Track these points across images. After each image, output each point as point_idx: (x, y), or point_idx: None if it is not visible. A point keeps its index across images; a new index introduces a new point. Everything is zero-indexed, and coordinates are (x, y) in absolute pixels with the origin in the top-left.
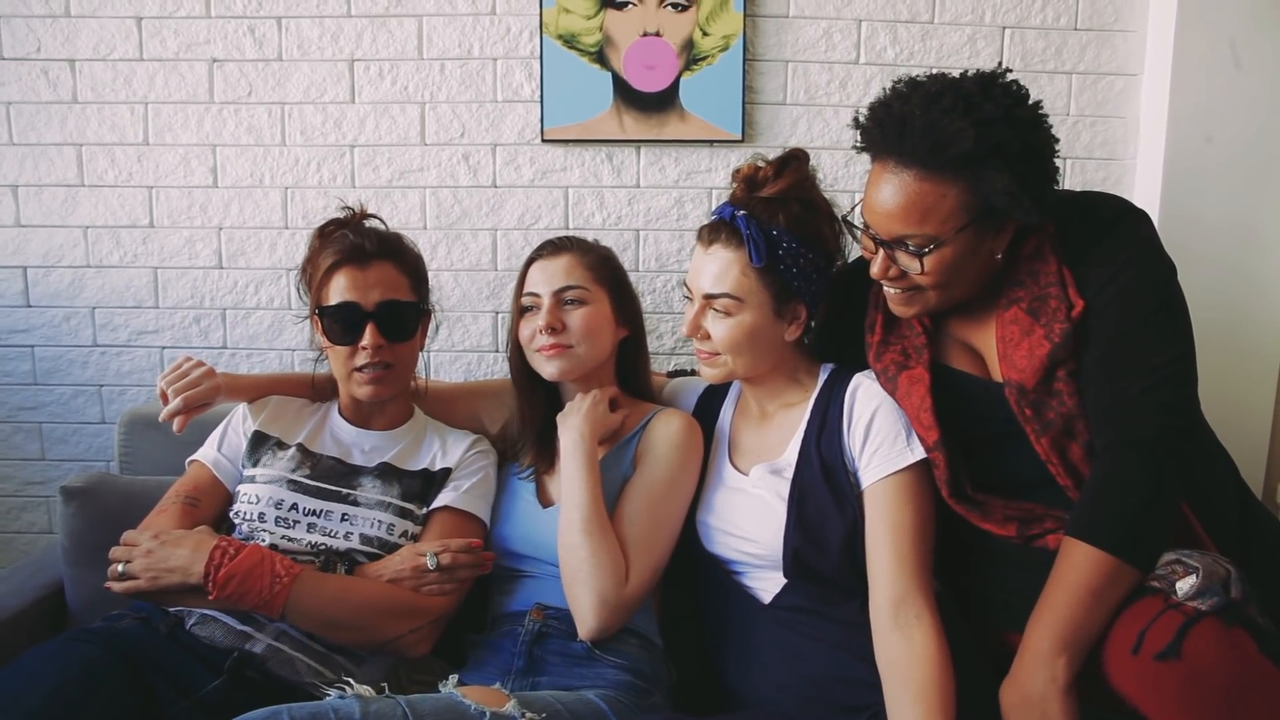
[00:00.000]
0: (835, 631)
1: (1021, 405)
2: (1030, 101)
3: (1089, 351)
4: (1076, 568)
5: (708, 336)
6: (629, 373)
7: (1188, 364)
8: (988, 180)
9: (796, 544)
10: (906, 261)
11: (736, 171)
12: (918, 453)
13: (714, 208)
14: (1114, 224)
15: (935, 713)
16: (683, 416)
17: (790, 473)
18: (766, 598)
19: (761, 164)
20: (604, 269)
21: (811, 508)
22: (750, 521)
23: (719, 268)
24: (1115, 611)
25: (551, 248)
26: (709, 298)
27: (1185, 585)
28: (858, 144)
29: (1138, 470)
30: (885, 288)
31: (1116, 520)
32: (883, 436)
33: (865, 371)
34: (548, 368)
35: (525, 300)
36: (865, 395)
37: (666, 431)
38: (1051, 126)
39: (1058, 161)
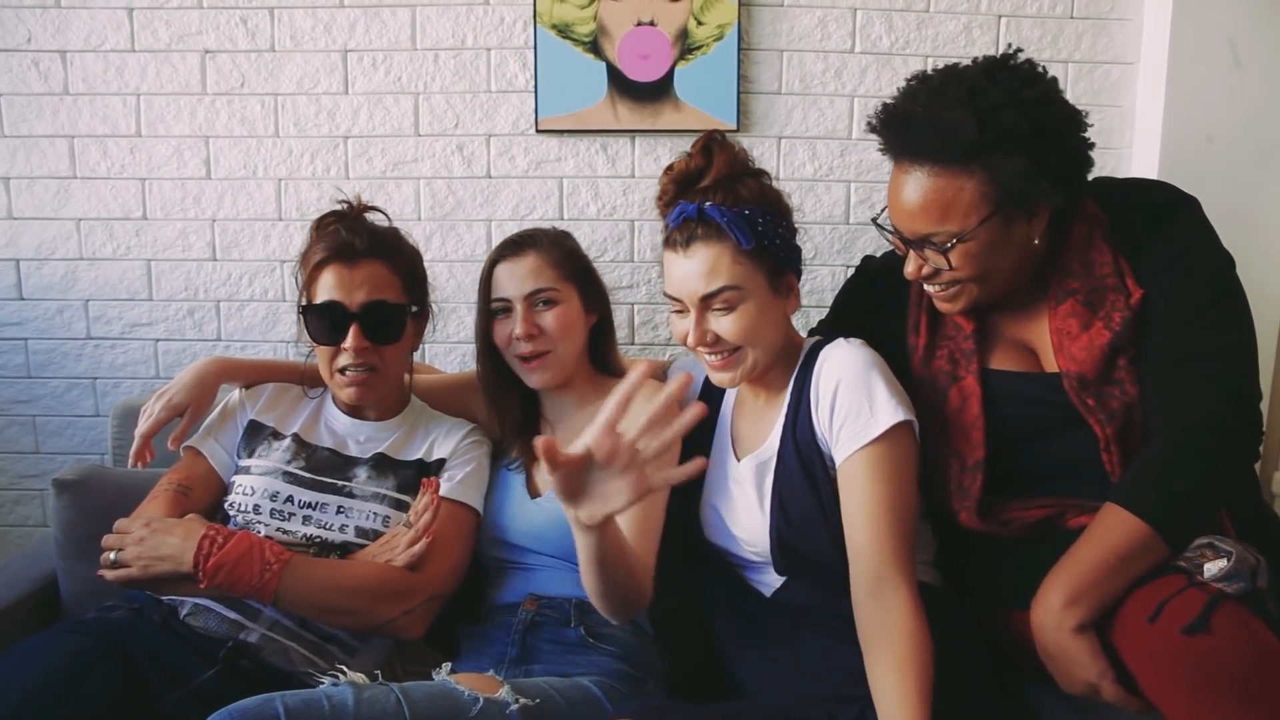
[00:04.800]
0: (835, 625)
1: (1083, 396)
2: (1042, 82)
3: (1148, 339)
4: (1111, 530)
5: (717, 339)
6: (600, 352)
7: (1248, 353)
8: (1001, 166)
9: (785, 544)
10: (935, 259)
11: (669, 169)
12: (883, 421)
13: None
14: (1170, 211)
15: (910, 683)
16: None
17: (773, 464)
18: (768, 592)
19: (688, 154)
20: (569, 263)
21: (794, 506)
22: (738, 524)
23: (707, 264)
24: (1133, 584)
25: (513, 247)
26: (707, 299)
27: (1214, 568)
28: (881, 148)
29: (1192, 454)
30: (927, 287)
31: (1162, 495)
32: (846, 411)
33: (835, 343)
34: (532, 379)
35: (495, 305)
36: (829, 372)
37: None
38: (1068, 103)
39: (1087, 136)
